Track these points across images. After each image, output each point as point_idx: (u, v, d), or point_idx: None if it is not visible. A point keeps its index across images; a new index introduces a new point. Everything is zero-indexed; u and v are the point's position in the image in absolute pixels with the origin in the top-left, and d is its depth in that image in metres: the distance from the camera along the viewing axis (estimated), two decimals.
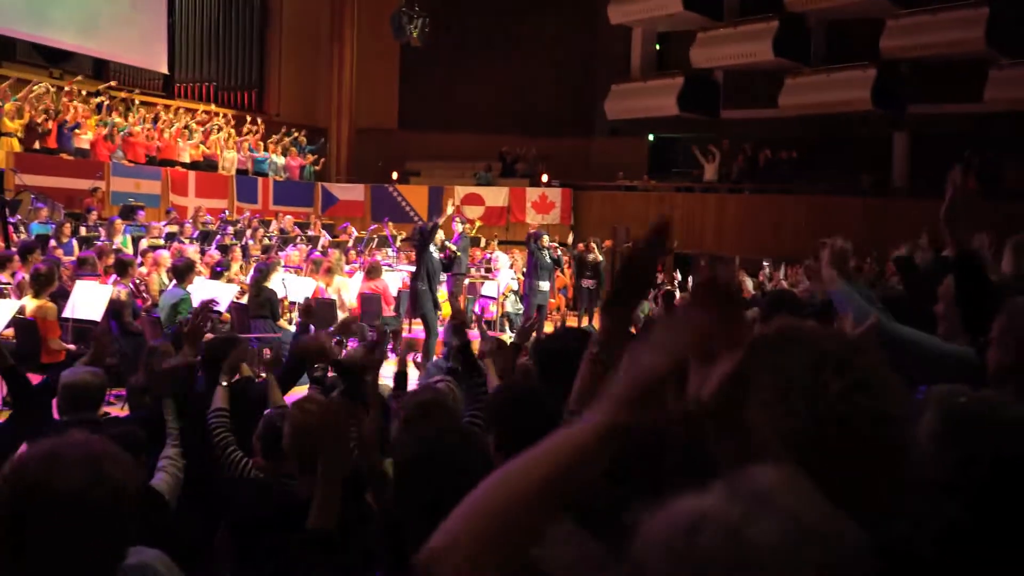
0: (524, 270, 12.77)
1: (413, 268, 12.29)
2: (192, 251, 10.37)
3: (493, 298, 12.59)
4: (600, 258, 13.71)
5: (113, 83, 17.05)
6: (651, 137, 21.31)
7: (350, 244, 14.69)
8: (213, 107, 19.52)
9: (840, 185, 17.07)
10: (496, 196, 19.56)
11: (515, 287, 12.87)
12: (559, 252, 13.29)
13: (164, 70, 18.71)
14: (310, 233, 15.48)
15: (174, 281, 7.92)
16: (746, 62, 17.86)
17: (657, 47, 21.27)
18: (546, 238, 12.39)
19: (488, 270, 13.61)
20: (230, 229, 13.77)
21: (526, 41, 20.37)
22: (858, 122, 17.01)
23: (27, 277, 7.67)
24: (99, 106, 16.04)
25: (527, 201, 19.45)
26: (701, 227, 18.29)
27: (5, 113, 13.84)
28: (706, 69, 18.69)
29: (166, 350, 4.15)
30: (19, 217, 10.99)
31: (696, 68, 18.65)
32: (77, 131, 14.79)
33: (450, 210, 11.05)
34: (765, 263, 14.81)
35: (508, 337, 12.06)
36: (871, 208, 15.82)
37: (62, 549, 1.34)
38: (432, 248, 9.52)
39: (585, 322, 12.78)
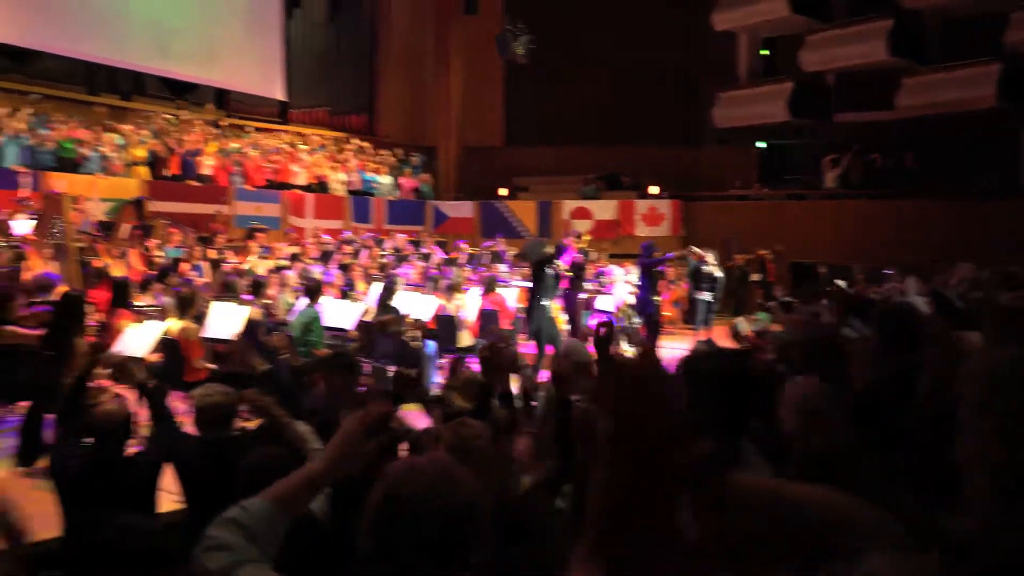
0: (638, 283, 12.61)
1: (529, 284, 12.33)
2: (317, 271, 10.63)
3: (609, 312, 12.41)
4: (716, 271, 13.38)
5: (233, 112, 17.76)
6: (761, 144, 20.76)
7: (463, 261, 14.80)
8: (326, 131, 20.09)
9: (963, 188, 16.26)
10: (605, 209, 19.41)
11: (632, 301, 12.67)
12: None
13: (280, 97, 19.34)
14: (423, 250, 15.68)
15: (303, 300, 8.09)
16: (859, 63, 17.28)
17: (764, 52, 20.79)
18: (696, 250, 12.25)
19: (602, 284, 13.46)
20: (348, 249, 14.05)
21: (630, 52, 20.18)
22: (981, 120, 16.19)
23: (166, 299, 7.99)
24: (219, 133, 16.72)
25: (636, 213, 19.23)
26: (817, 236, 17.69)
27: (134, 144, 14.56)
28: (816, 72, 18.15)
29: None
30: (156, 242, 11.48)
31: (806, 72, 18.14)
32: (199, 158, 15.44)
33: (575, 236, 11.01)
34: (887, 271, 14.17)
35: (625, 352, 11.94)
36: (996, 212, 15.00)
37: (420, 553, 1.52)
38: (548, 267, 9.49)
39: (702, 335, 12.44)
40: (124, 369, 4.65)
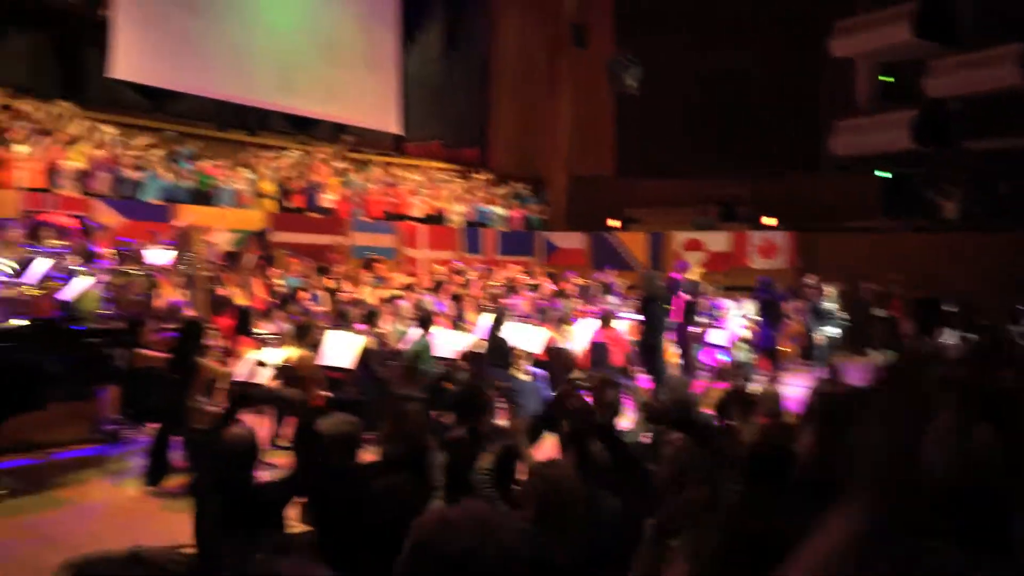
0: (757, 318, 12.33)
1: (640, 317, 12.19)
2: (428, 301, 10.81)
3: (722, 347, 12.14)
4: (835, 306, 12.95)
5: (352, 146, 18.38)
6: (882, 173, 19.99)
7: (573, 292, 14.77)
8: (441, 164, 20.53)
9: None
10: (718, 241, 19.05)
11: (748, 335, 12.35)
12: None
13: (395, 131, 19.90)
14: (533, 281, 15.74)
15: (415, 329, 8.23)
16: (988, 88, 16.49)
17: (885, 78, 20.12)
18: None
19: (714, 318, 13.17)
20: (460, 279, 14.25)
21: (744, 81, 19.87)
22: None
23: (285, 327, 8.28)
24: (340, 168, 17.32)
25: (751, 245, 18.78)
26: (942, 270, 16.84)
27: (263, 177, 15.24)
28: (940, 99, 17.39)
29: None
30: (278, 271, 11.92)
31: (930, 98, 17.42)
32: (322, 191, 16.03)
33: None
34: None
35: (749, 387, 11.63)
36: None
37: None
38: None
39: (823, 372, 11.99)
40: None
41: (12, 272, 8.31)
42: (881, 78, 19.87)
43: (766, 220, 18.99)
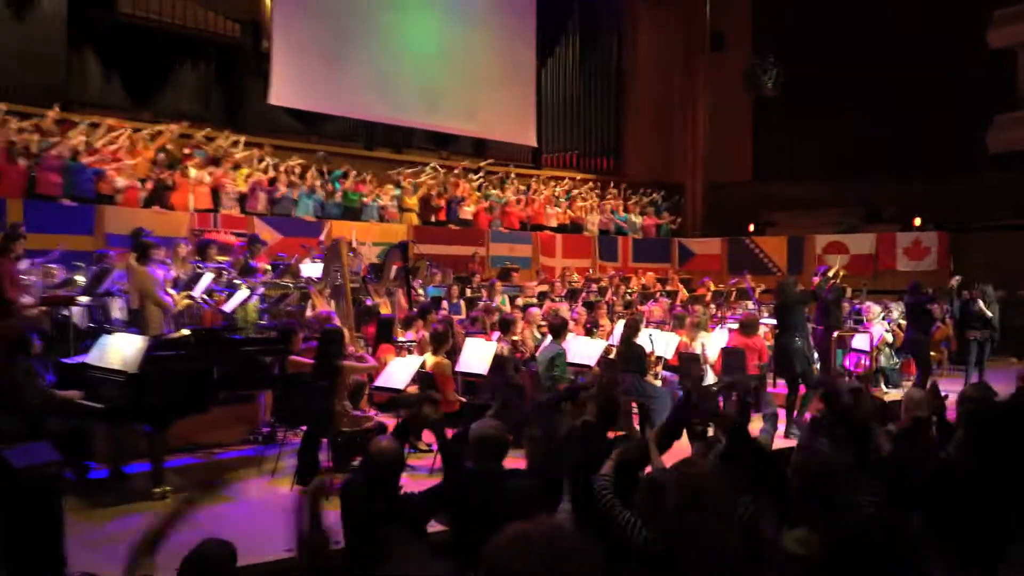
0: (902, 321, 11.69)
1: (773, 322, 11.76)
2: (564, 309, 10.82)
3: (865, 351, 11.55)
4: (987, 310, 12.07)
5: (491, 160, 18.70)
6: None
7: (708, 298, 14.44)
8: (577, 175, 20.56)
9: None
10: (862, 243, 18.15)
11: (890, 339, 11.71)
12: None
13: (533, 143, 20.07)
14: (669, 288, 15.50)
15: (550, 337, 8.25)
16: None
17: None
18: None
19: (858, 321, 12.54)
20: (594, 287, 14.20)
21: (887, 77, 18.81)
22: None
23: (426, 335, 8.48)
24: (481, 183, 17.66)
25: (897, 247, 17.79)
26: None
27: (406, 192, 15.73)
28: None
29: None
30: (420, 281, 12.25)
31: None
32: (462, 204, 16.37)
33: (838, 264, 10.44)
34: None
35: (884, 393, 11.01)
36: None
37: None
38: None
39: (975, 378, 11.20)
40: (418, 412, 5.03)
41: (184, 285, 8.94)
42: None
43: (915, 221, 17.95)
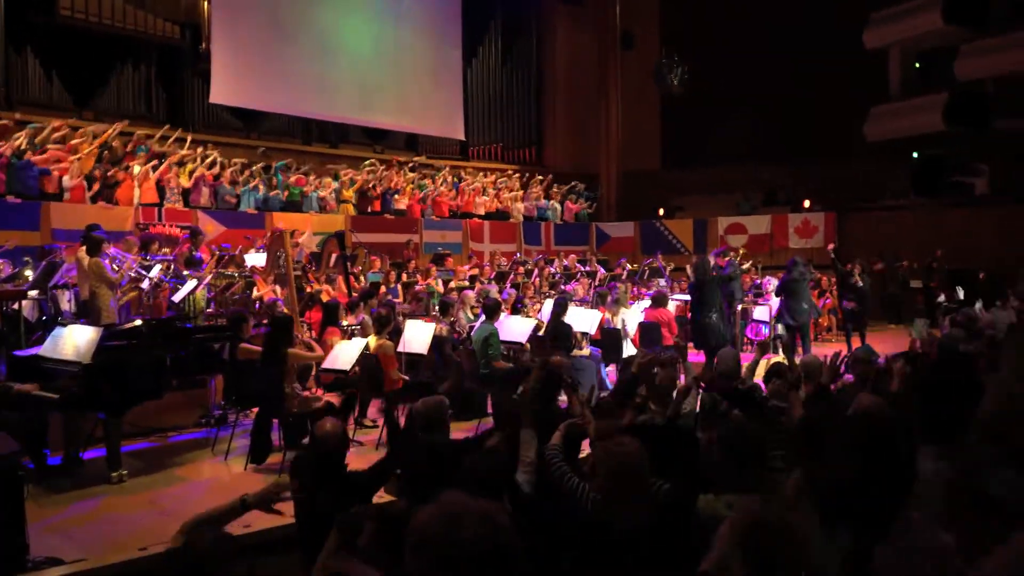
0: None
1: (686, 298, 12.01)
2: (493, 291, 10.84)
3: (765, 322, 11.92)
4: (861, 282, 12.52)
5: (421, 155, 18.55)
6: (916, 155, 19.23)
7: (624, 276, 14.66)
8: (500, 164, 20.55)
9: None
10: (759, 224, 18.69)
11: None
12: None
13: (461, 137, 19.97)
14: (588, 269, 15.66)
15: (483, 317, 8.25)
16: (1021, 69, 15.73)
17: (917, 65, 19.35)
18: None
19: (758, 295, 12.93)
20: (521, 269, 14.25)
21: (778, 74, 19.31)
22: None
23: (368, 319, 8.39)
24: (412, 172, 17.49)
25: (789, 227, 18.37)
26: (977, 244, 16.24)
27: (345, 185, 15.47)
28: (973, 81, 16.65)
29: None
30: (358, 268, 12.11)
31: (961, 81, 16.70)
32: (397, 196, 16.19)
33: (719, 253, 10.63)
34: None
35: (780, 359, 11.37)
36: None
37: None
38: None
39: (856, 343, 11.60)
40: None
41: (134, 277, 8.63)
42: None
43: (805, 203, 18.54)
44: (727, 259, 12.35)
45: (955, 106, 16.64)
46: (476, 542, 1.33)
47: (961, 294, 14.25)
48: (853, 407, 3.28)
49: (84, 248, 7.82)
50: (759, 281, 13.47)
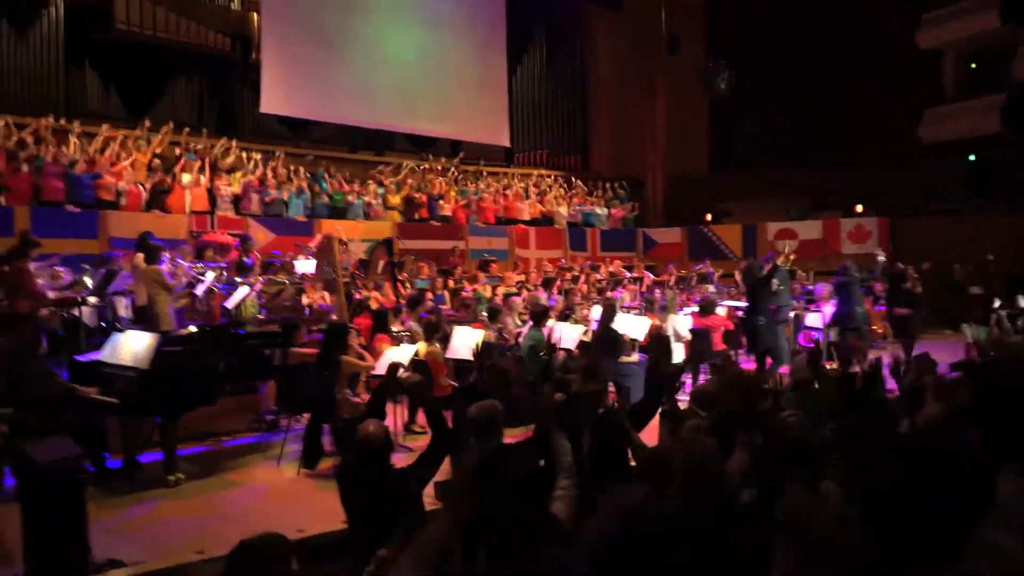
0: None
1: (742, 303, 11.82)
2: (542, 297, 10.80)
3: (818, 329, 11.66)
4: (917, 288, 12.14)
5: (462, 157, 18.62)
6: (972, 158, 18.71)
7: (671, 283, 14.50)
8: (546, 171, 20.52)
9: None
10: (810, 229, 18.32)
11: None
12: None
13: (505, 144, 20.00)
14: (635, 275, 15.54)
15: (530, 323, 8.23)
16: None
17: (972, 65, 18.88)
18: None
19: (810, 301, 12.65)
20: (568, 275, 14.18)
21: (831, 76, 18.97)
22: None
23: (415, 325, 8.43)
24: (456, 180, 17.57)
25: (842, 232, 17.99)
26: None
27: (389, 191, 15.60)
28: None
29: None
30: (405, 275, 12.16)
31: (1019, 82, 16.22)
32: (441, 201, 16.26)
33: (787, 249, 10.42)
34: None
35: (835, 366, 11.12)
36: None
37: None
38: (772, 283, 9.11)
39: (917, 349, 11.27)
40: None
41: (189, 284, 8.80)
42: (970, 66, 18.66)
43: (857, 208, 18.15)
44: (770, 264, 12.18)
45: (1013, 107, 16.19)
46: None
47: (1022, 301, 13.77)
48: (921, 418, 3.17)
49: (141, 255, 7.99)
50: (810, 287, 13.19)
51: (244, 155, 14.30)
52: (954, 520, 1.79)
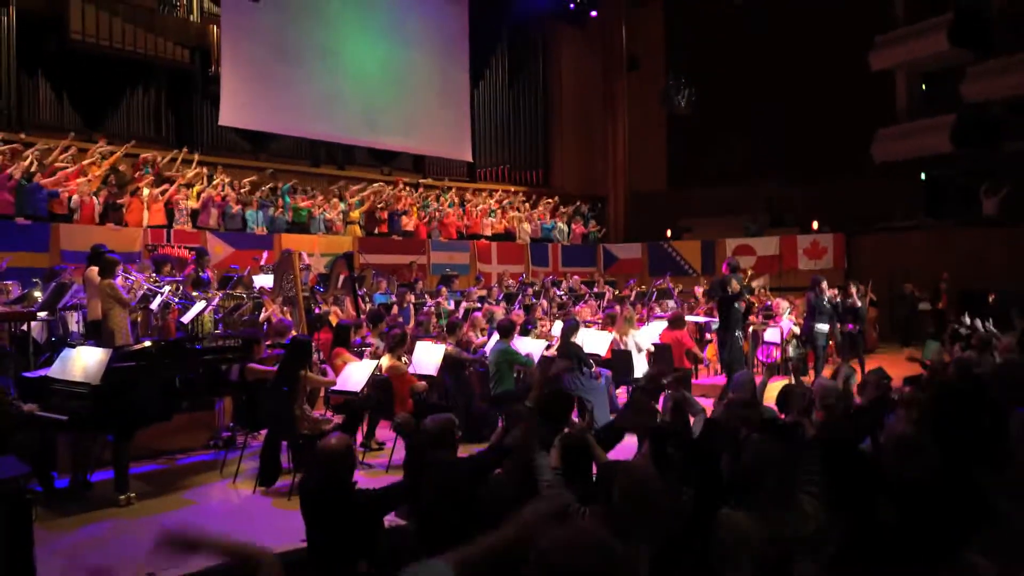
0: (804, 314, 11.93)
1: (699, 319, 11.94)
2: (499, 311, 10.77)
3: (776, 343, 11.83)
4: (859, 303, 12.36)
5: (428, 176, 18.58)
6: (923, 176, 19.19)
7: (632, 298, 14.59)
8: (508, 186, 20.57)
9: None
10: (767, 246, 18.63)
11: (797, 332, 12.00)
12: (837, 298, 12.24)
13: (467, 159, 20.02)
14: (596, 290, 15.61)
15: (496, 337, 8.19)
16: None
17: (923, 86, 19.39)
18: (825, 284, 11.43)
19: (768, 317, 12.83)
20: (530, 290, 14.19)
21: (786, 96, 19.33)
22: None
23: (377, 341, 8.34)
24: (419, 194, 17.52)
25: (799, 248, 18.31)
26: (988, 264, 16.15)
27: (351, 207, 15.49)
28: (980, 103, 16.66)
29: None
30: (365, 290, 12.06)
31: (968, 103, 16.71)
32: (404, 217, 16.19)
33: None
34: None
35: (792, 381, 11.26)
36: None
37: None
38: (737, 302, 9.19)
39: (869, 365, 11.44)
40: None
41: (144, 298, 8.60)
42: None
43: (814, 224, 18.49)
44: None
45: (963, 127, 16.67)
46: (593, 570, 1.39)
47: (968, 318, 14.12)
48: (886, 434, 3.21)
49: (95, 268, 7.79)
50: (769, 303, 13.37)
51: (204, 170, 14.10)
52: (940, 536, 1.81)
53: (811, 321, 11.02)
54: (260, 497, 6.08)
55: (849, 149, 18.83)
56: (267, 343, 7.33)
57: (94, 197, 11.81)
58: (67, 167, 11.90)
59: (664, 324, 9.99)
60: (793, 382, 6.98)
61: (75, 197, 11.53)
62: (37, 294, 8.68)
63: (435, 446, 3.90)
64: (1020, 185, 16.48)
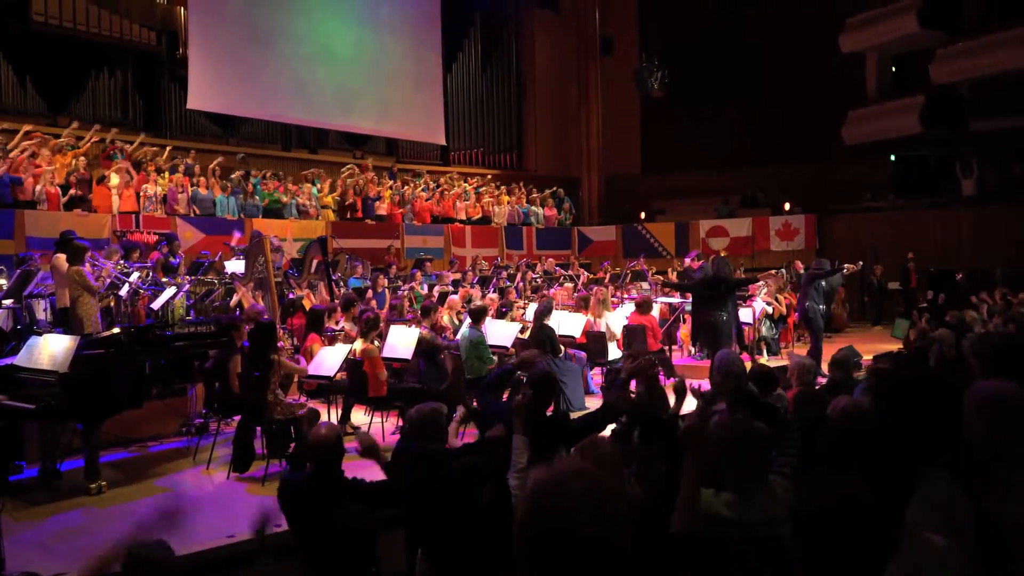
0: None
1: (673, 300, 11.97)
2: (476, 294, 10.76)
3: (748, 323, 11.91)
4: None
5: (401, 160, 18.43)
6: (893, 158, 19.38)
7: (606, 280, 14.62)
8: (482, 169, 20.49)
9: None
10: (740, 227, 18.74)
11: (769, 311, 12.10)
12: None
13: (441, 142, 19.89)
14: (570, 273, 15.63)
15: (468, 321, 8.17)
16: (995, 72, 15.90)
17: (893, 68, 19.54)
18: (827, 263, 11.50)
19: (743, 297, 12.91)
20: (504, 274, 14.18)
21: (758, 78, 19.41)
22: None
23: (349, 326, 8.29)
24: (392, 177, 17.39)
25: (771, 229, 18.45)
26: (957, 244, 16.41)
27: (323, 191, 15.34)
28: (948, 84, 16.84)
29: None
30: (339, 274, 11.98)
31: (937, 84, 16.88)
32: (378, 201, 16.07)
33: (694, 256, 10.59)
34: None
35: (765, 359, 11.36)
36: None
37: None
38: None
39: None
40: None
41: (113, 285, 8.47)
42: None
43: (786, 206, 18.63)
44: (701, 262, 12.41)
45: (931, 109, 16.84)
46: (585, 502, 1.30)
47: (936, 296, 14.34)
48: (830, 409, 3.24)
49: (63, 256, 7.64)
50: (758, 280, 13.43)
51: (175, 155, 13.88)
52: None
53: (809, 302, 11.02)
54: (234, 483, 6.04)
55: (820, 131, 18.96)
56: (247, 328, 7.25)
57: (58, 187, 11.56)
58: (32, 153, 11.64)
59: (631, 307, 9.99)
60: (765, 360, 7.08)
61: (39, 185, 11.28)
62: (2, 282, 8.53)
63: (423, 438, 3.71)
64: (992, 165, 16.74)
